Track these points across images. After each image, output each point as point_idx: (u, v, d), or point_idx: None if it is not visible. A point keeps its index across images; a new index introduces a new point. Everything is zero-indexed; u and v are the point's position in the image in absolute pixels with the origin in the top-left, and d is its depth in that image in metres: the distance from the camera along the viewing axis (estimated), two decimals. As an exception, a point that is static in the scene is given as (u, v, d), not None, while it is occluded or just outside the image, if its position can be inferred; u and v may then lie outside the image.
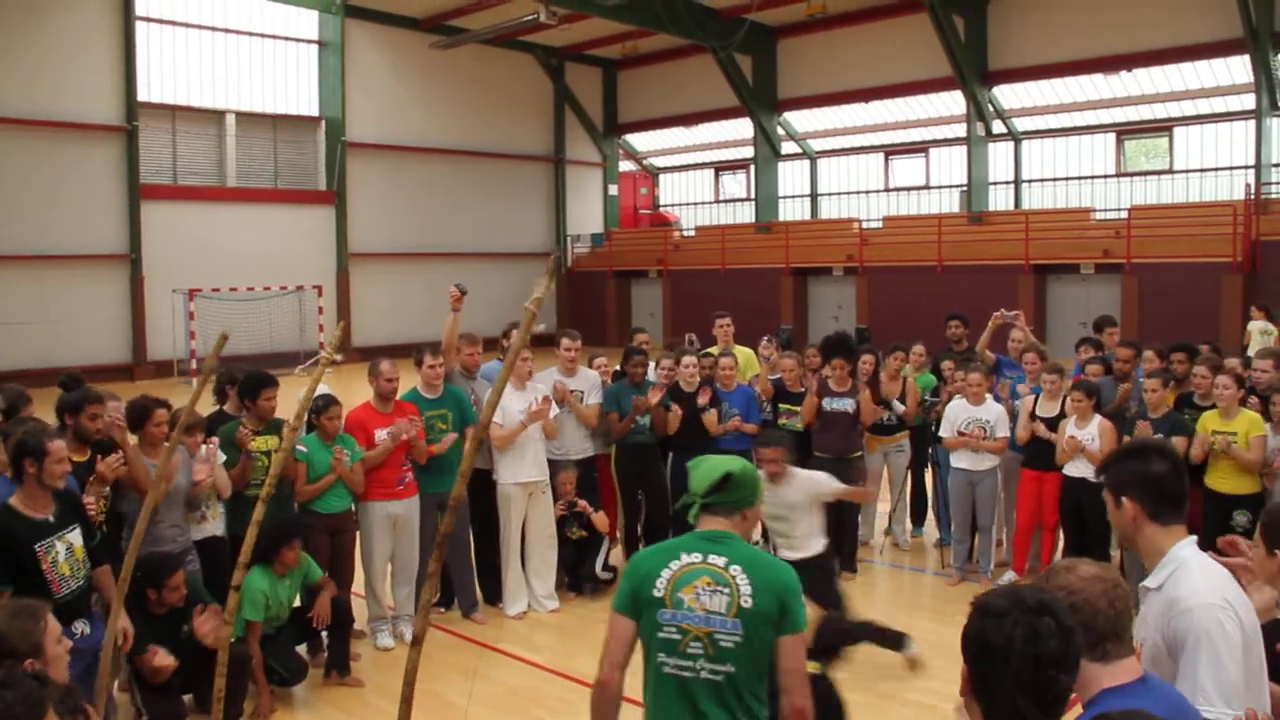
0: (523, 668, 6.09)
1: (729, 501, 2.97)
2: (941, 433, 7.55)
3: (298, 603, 5.74)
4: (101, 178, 21.04)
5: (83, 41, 20.59)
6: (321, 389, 5.54)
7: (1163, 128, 22.85)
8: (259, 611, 5.34)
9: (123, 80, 21.17)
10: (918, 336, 8.99)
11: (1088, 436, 6.74)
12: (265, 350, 20.86)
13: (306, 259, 24.15)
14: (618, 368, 7.86)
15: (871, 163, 27.64)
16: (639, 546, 7.34)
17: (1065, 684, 1.85)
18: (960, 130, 24.30)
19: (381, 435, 6.24)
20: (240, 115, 23.75)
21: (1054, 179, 24.20)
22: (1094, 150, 23.82)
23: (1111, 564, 5.05)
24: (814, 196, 28.61)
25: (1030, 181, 24.51)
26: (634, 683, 2.98)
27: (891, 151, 27.15)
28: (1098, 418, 6.81)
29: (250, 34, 23.72)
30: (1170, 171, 22.72)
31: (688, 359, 7.67)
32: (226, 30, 23.31)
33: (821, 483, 5.87)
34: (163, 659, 4.75)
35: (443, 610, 6.93)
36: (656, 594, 2.88)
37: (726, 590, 2.83)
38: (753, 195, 28.63)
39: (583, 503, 7.28)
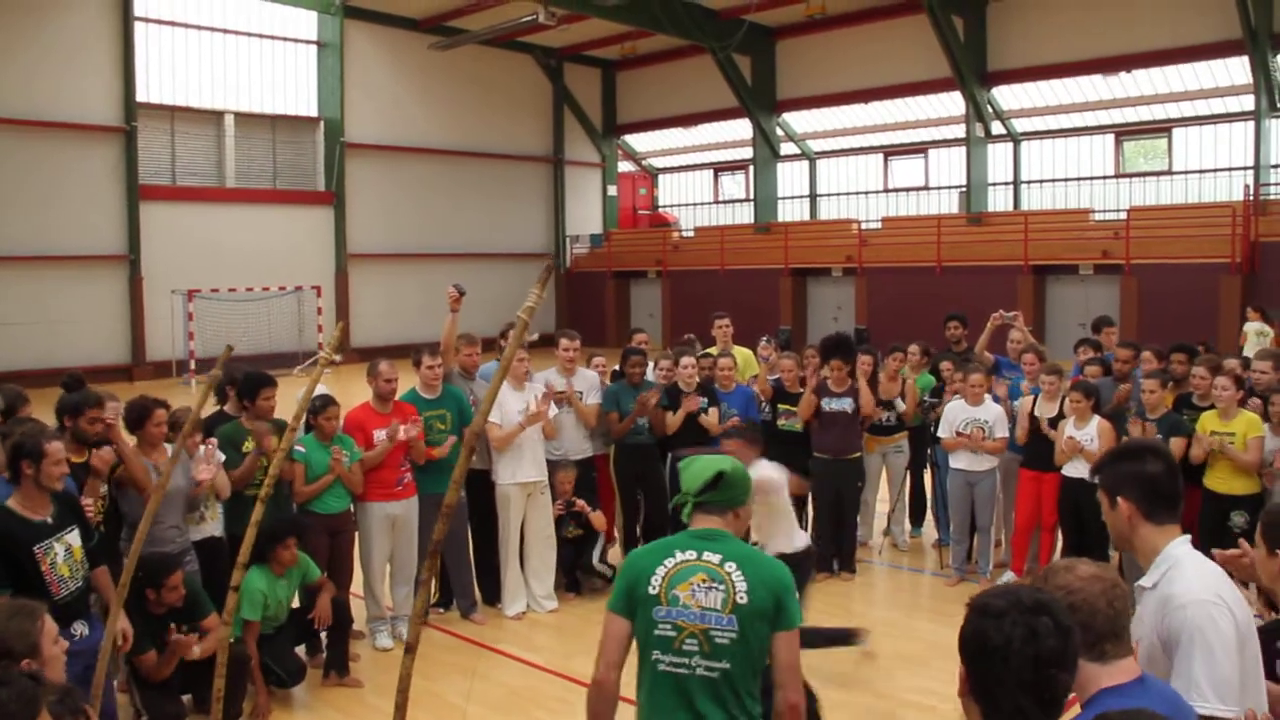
0: (521, 668, 6.09)
1: (721, 500, 2.99)
2: (940, 433, 7.55)
3: (296, 603, 5.73)
4: (100, 178, 21.04)
5: (82, 42, 20.59)
6: (320, 389, 5.55)
7: (1162, 129, 22.87)
8: (257, 611, 5.33)
9: (122, 81, 21.17)
10: (917, 337, 8.99)
11: (1086, 437, 6.75)
12: (264, 351, 20.84)
13: (305, 259, 24.15)
14: (616, 368, 7.87)
15: (870, 163, 27.64)
16: (637, 547, 7.31)
17: (1065, 682, 1.85)
18: (959, 131, 24.31)
19: (380, 436, 6.24)
20: (239, 116, 23.74)
21: (1053, 180, 24.20)
22: (1093, 151, 23.82)
23: (1110, 564, 5.07)
24: (813, 197, 28.61)
25: (1029, 182, 24.52)
26: (631, 682, 2.98)
27: (890, 152, 27.15)
28: (1096, 418, 6.81)
29: (249, 34, 23.70)
30: (1169, 172, 22.72)
31: (686, 360, 7.67)
32: (225, 31, 23.30)
33: (763, 470, 5.42)
34: (185, 645, 4.77)
35: (442, 611, 6.93)
36: (652, 591, 2.89)
37: (722, 587, 2.85)
38: (752, 196, 28.63)
39: (581, 502, 7.29)
